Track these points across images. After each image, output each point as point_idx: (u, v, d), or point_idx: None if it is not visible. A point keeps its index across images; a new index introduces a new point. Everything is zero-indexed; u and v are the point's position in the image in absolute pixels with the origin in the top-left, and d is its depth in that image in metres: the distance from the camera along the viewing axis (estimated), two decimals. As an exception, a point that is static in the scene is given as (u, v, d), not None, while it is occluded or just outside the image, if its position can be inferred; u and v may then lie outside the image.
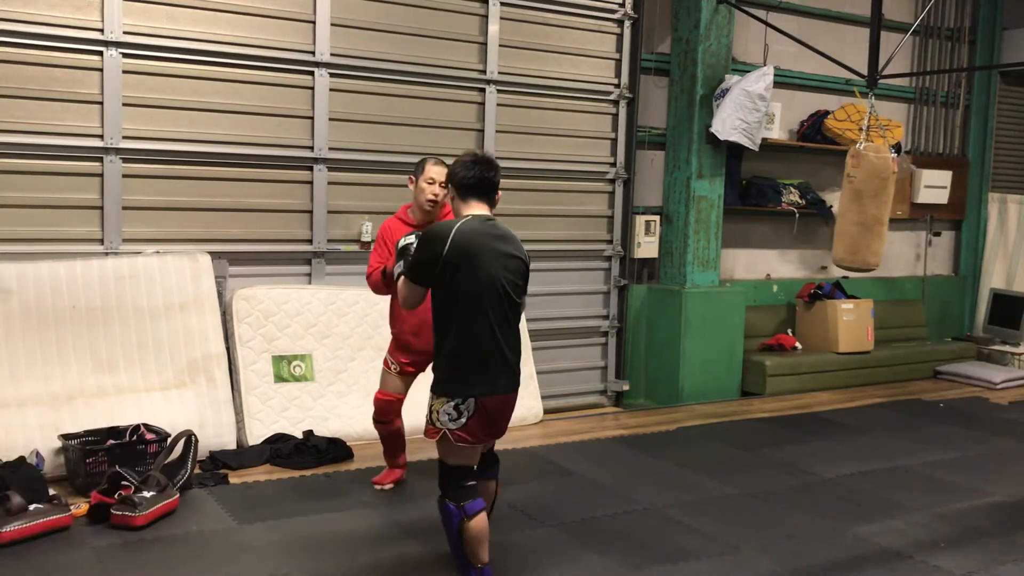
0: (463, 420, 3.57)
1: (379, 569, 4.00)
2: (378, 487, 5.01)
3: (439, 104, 6.60)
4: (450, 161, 3.98)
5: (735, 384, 7.75)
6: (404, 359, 4.83)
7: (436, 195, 4.63)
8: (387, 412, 4.89)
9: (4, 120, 5.27)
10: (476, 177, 3.70)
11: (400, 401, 4.91)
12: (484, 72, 6.76)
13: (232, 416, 5.58)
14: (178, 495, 4.59)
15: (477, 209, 3.72)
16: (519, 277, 3.71)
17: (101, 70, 5.48)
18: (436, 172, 4.62)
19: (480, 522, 3.61)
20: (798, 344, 8.34)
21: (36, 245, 5.38)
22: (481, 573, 3.64)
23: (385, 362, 4.91)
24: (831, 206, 8.41)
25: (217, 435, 5.45)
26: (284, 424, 5.71)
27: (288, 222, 6.16)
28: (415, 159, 6.60)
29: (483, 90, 6.77)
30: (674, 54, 7.59)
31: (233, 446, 5.52)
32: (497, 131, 6.84)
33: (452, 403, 3.57)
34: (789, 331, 8.49)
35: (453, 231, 3.56)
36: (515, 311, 3.70)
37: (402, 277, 3.79)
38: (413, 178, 4.73)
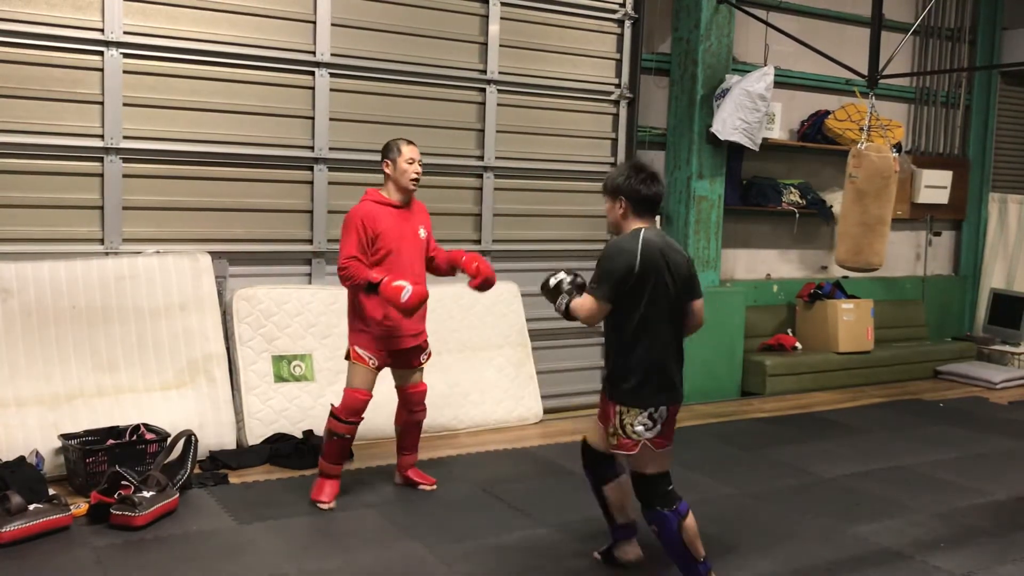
0: (658, 427, 3.68)
1: (379, 569, 4.00)
2: (324, 506, 4.65)
3: (439, 104, 6.60)
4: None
5: (735, 384, 7.75)
6: (381, 352, 4.70)
7: (419, 173, 4.73)
8: (361, 410, 4.68)
9: (4, 120, 5.27)
10: (656, 195, 3.77)
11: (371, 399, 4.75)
12: (484, 72, 6.76)
13: (232, 416, 5.58)
14: (178, 495, 4.59)
15: (648, 223, 3.78)
16: (692, 281, 3.88)
17: (101, 70, 5.48)
18: (414, 151, 4.73)
19: (692, 519, 3.75)
20: (798, 344, 8.33)
21: (36, 245, 5.38)
22: (705, 567, 3.78)
23: (359, 357, 4.66)
24: (831, 206, 8.40)
25: (217, 435, 5.45)
26: (284, 424, 5.71)
27: (288, 222, 6.16)
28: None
29: (483, 90, 6.77)
30: (674, 54, 7.59)
31: (233, 446, 5.52)
32: (497, 131, 6.84)
33: (646, 413, 3.67)
34: (789, 331, 8.49)
35: (640, 245, 3.64)
36: (685, 319, 3.92)
37: (586, 297, 3.72)
38: (389, 161, 4.69)
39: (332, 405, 4.75)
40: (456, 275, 5.02)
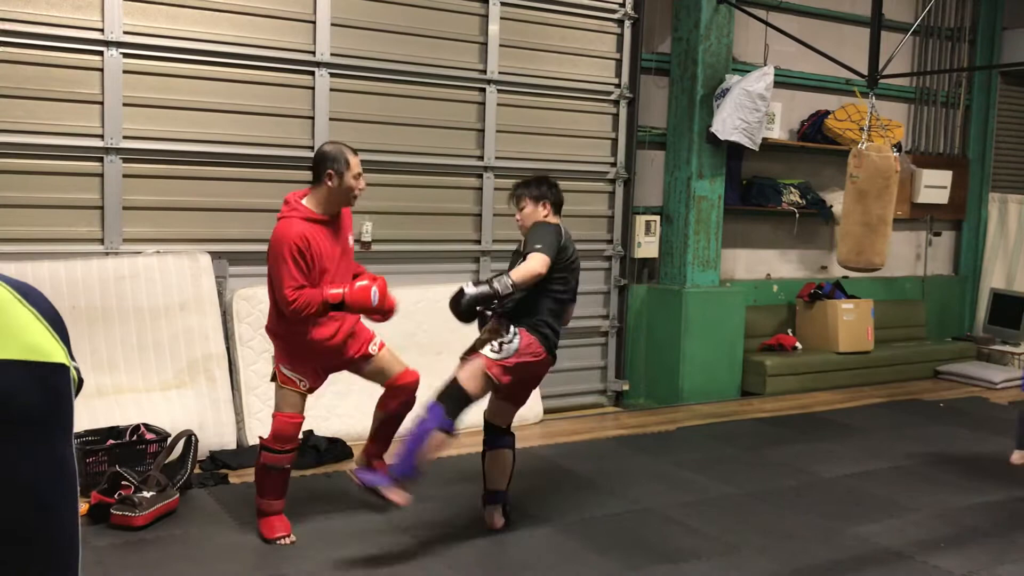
0: (501, 352, 4.22)
1: (379, 569, 4.00)
2: (287, 540, 4.22)
3: (439, 104, 6.60)
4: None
5: (735, 384, 7.75)
6: (313, 375, 4.27)
7: (363, 190, 4.26)
8: (296, 436, 4.26)
9: (4, 120, 5.27)
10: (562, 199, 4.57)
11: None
12: (484, 72, 6.76)
13: (232, 416, 5.58)
14: (178, 495, 4.59)
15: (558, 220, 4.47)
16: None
17: (101, 70, 5.48)
18: (359, 164, 4.24)
19: (443, 440, 4.18)
20: (798, 344, 8.33)
21: (36, 245, 5.38)
22: (414, 473, 4.13)
23: (287, 379, 4.19)
24: (831, 206, 8.41)
25: (217, 435, 5.45)
26: (284, 424, 5.70)
27: (288, 222, 6.15)
28: (415, 159, 6.62)
29: (483, 90, 6.77)
30: (674, 54, 7.60)
31: (233, 446, 5.52)
32: (497, 131, 6.84)
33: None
34: (789, 331, 8.49)
35: (565, 232, 4.35)
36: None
37: (535, 255, 4.13)
38: (333, 173, 4.11)
39: (260, 438, 4.27)
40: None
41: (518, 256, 4.31)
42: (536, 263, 4.09)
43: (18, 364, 1.11)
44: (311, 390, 4.28)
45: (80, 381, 1.22)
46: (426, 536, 4.34)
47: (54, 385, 1.15)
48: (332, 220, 4.21)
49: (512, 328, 4.18)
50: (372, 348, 4.44)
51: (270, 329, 4.34)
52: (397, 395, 4.52)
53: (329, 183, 4.13)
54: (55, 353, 1.16)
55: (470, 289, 4.00)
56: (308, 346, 4.20)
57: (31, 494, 1.12)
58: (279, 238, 4.07)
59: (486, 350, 4.15)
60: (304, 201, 4.17)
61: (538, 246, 4.14)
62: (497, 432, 4.46)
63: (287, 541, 4.22)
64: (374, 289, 4.11)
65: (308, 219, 4.11)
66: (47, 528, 1.13)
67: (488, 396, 4.33)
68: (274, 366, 4.29)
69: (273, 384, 4.30)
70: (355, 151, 4.26)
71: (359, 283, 4.10)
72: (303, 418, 4.28)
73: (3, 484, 1.09)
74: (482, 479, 4.50)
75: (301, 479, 5.13)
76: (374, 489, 4.00)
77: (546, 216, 4.43)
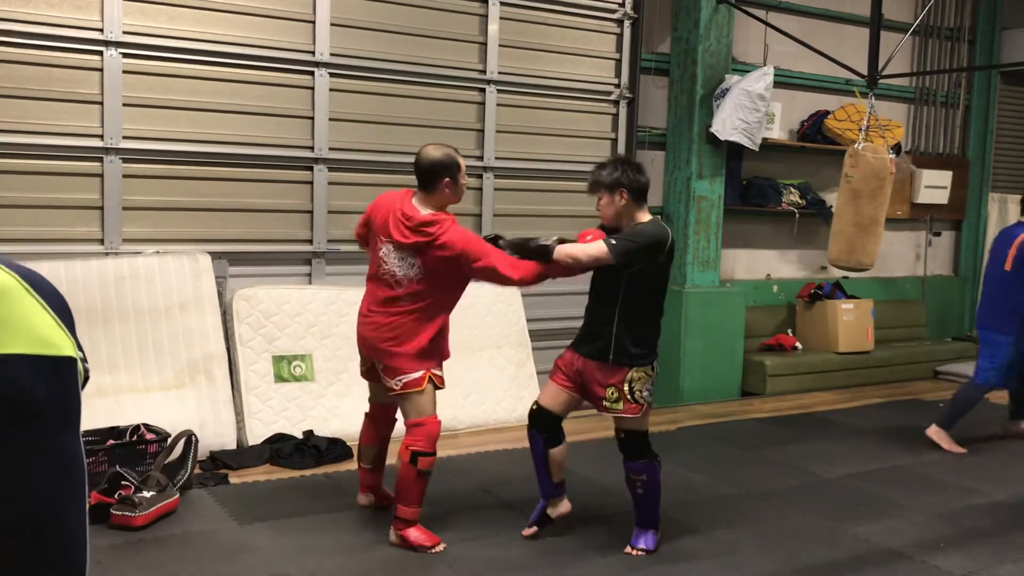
0: (654, 388, 4.18)
1: (380, 569, 4.00)
2: (442, 546, 4.19)
3: (439, 104, 6.60)
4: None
5: (735, 384, 7.75)
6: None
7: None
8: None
9: (4, 120, 5.27)
10: (648, 182, 4.21)
11: None
12: (484, 72, 6.76)
13: (232, 416, 5.58)
14: (178, 495, 4.59)
15: (648, 214, 4.20)
16: None
17: (101, 70, 5.48)
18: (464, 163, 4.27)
19: None
20: (798, 344, 8.34)
21: (36, 245, 5.38)
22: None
23: (437, 378, 4.20)
24: (831, 206, 8.40)
25: (217, 435, 5.45)
26: (284, 424, 5.71)
27: (288, 222, 6.16)
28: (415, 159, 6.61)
29: (483, 90, 6.77)
30: (674, 54, 7.60)
31: (233, 446, 5.52)
32: (497, 131, 6.84)
33: (651, 379, 4.12)
34: (789, 331, 8.49)
35: (671, 234, 4.10)
36: None
37: (599, 244, 4.00)
38: (450, 179, 4.12)
39: (411, 449, 4.09)
40: None
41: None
42: (594, 247, 4.07)
43: (26, 358, 1.10)
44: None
45: (86, 373, 1.20)
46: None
47: (62, 380, 1.14)
48: None
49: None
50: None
51: (407, 330, 4.12)
52: (390, 419, 4.60)
53: (447, 189, 4.13)
54: (64, 346, 1.15)
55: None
56: (438, 339, 4.23)
57: (39, 491, 1.10)
58: (453, 227, 4.07)
59: (641, 396, 4.07)
60: (414, 202, 4.15)
61: (612, 241, 4.05)
62: (558, 424, 4.27)
63: (442, 547, 4.18)
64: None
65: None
66: (56, 525, 1.11)
67: (554, 396, 4.25)
68: (418, 372, 4.11)
69: (404, 392, 4.15)
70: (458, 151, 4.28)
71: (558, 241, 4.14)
72: None
73: (10, 481, 1.08)
74: (542, 478, 4.30)
75: (301, 479, 5.14)
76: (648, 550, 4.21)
77: (625, 208, 4.15)
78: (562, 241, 4.14)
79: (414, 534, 4.16)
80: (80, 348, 1.20)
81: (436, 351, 4.21)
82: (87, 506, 1.20)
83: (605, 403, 4.09)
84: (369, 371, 4.39)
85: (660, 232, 4.06)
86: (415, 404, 4.13)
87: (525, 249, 4.15)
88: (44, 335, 1.14)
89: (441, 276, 4.11)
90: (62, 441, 1.14)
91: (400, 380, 4.13)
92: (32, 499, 1.10)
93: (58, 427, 1.13)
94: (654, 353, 4.15)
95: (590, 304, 4.25)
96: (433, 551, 4.14)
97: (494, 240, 4.22)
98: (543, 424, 4.24)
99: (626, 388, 4.05)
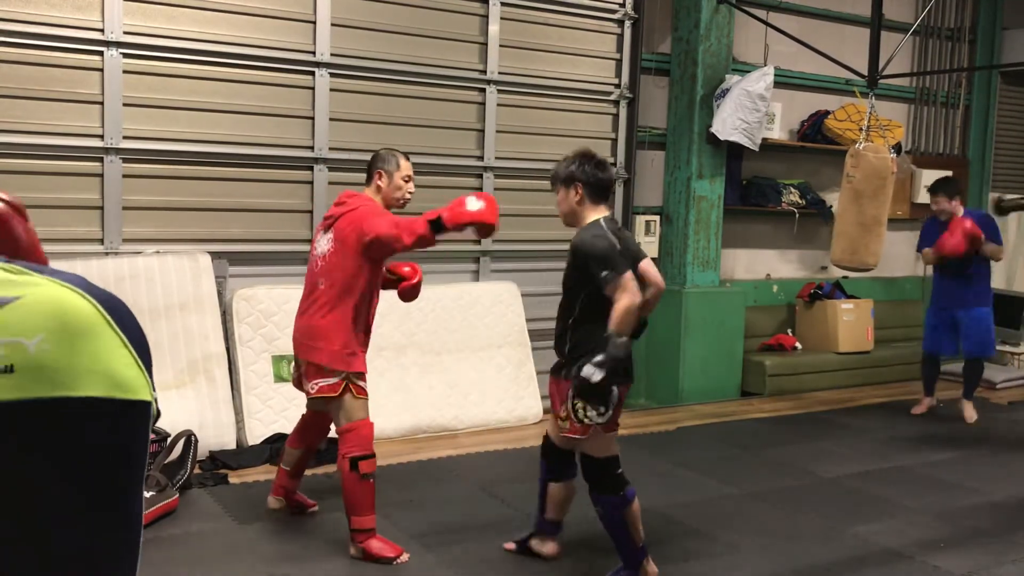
0: (610, 412, 3.64)
1: (379, 570, 4.00)
2: (405, 556, 4.06)
3: (439, 104, 6.60)
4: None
5: (735, 384, 7.75)
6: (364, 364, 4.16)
7: (412, 194, 4.25)
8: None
9: (4, 120, 5.27)
10: (610, 179, 3.80)
11: None
12: (484, 72, 6.76)
13: (232, 416, 5.58)
14: (178, 495, 4.59)
15: (604, 212, 3.78)
16: (639, 252, 3.88)
17: (101, 70, 5.48)
18: (410, 168, 4.24)
19: (636, 504, 3.77)
20: (798, 344, 8.33)
21: (36, 245, 5.37)
22: (643, 552, 3.82)
23: (360, 389, 4.07)
24: (831, 206, 8.40)
25: (217, 435, 5.45)
26: (284, 424, 5.70)
27: (288, 222, 6.16)
28: (415, 159, 6.59)
29: (483, 90, 6.77)
30: (674, 54, 7.60)
31: (233, 446, 5.52)
32: (497, 131, 6.84)
33: (601, 401, 3.62)
34: (789, 331, 8.49)
35: (607, 230, 3.64)
36: (646, 289, 3.82)
37: (615, 285, 3.55)
38: (383, 172, 4.15)
39: (347, 457, 4.00)
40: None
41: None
42: (625, 291, 3.56)
43: (102, 402, 1.05)
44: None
45: (158, 413, 1.15)
46: (426, 537, 4.33)
47: (133, 426, 1.09)
48: None
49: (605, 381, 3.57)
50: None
51: (325, 324, 4.03)
52: (325, 427, 4.46)
53: (378, 182, 4.17)
54: (139, 388, 1.10)
55: (597, 375, 3.51)
56: (359, 336, 4.08)
57: (92, 553, 1.05)
58: (360, 208, 4.01)
59: (592, 417, 3.63)
60: (372, 201, 4.16)
61: (605, 272, 3.59)
62: (565, 458, 3.97)
63: (406, 557, 4.06)
64: (470, 201, 3.84)
65: None
66: None
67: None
68: (339, 377, 4.02)
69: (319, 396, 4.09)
70: (407, 155, 4.25)
71: (460, 206, 3.86)
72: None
73: (66, 540, 1.02)
74: (540, 505, 4.10)
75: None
76: None
77: (578, 204, 3.82)
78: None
79: (375, 545, 4.03)
80: (153, 387, 1.14)
81: (353, 348, 4.05)
82: (138, 566, 1.13)
83: (558, 421, 3.77)
84: (298, 379, 4.29)
85: (600, 238, 3.62)
86: (343, 410, 4.04)
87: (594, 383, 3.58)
88: (123, 377, 1.08)
89: (350, 249, 4.00)
90: (125, 498, 1.09)
91: (315, 384, 4.06)
92: (83, 560, 1.05)
93: (124, 482, 1.08)
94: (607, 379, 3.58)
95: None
96: (396, 562, 4.00)
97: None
98: (547, 452, 4.04)
99: (570, 405, 3.64)
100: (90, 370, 1.05)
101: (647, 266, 3.87)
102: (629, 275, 3.58)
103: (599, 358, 3.50)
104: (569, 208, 3.79)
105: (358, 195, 4.21)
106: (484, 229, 3.92)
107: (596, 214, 3.76)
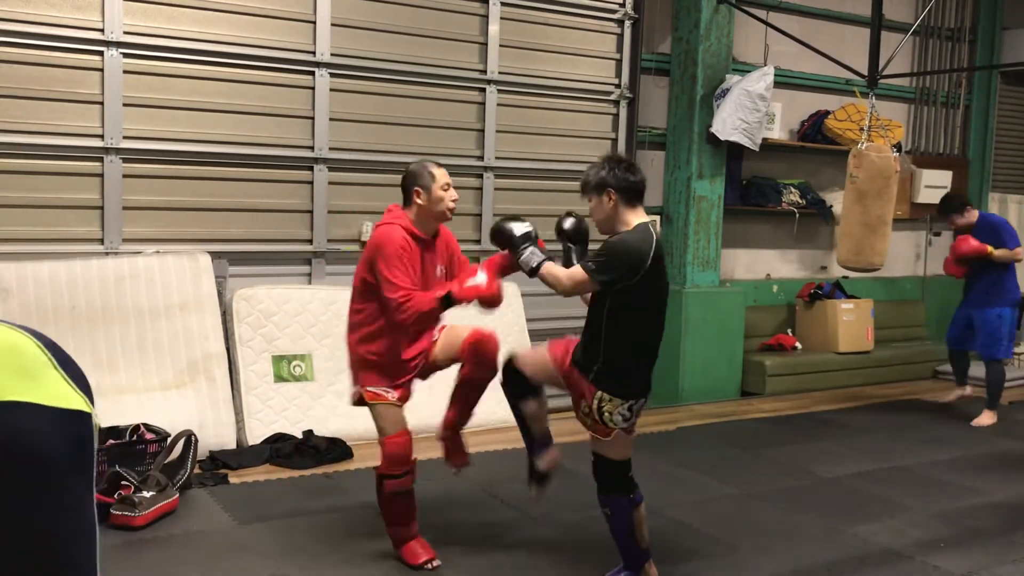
0: (633, 419, 3.73)
1: (380, 569, 4.00)
2: (435, 563, 4.00)
3: (439, 104, 6.60)
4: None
5: (735, 384, 7.75)
6: (400, 385, 4.02)
7: (456, 200, 4.05)
8: (410, 455, 3.96)
9: (4, 120, 5.27)
10: (642, 182, 3.69)
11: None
12: (484, 72, 6.76)
13: (232, 416, 5.58)
14: (178, 495, 4.59)
15: (643, 215, 3.69)
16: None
17: (101, 70, 5.48)
18: (446, 175, 4.04)
19: (643, 508, 3.82)
20: (798, 344, 8.34)
21: (36, 245, 5.38)
22: (646, 556, 3.84)
23: (377, 395, 3.95)
24: (831, 206, 8.40)
25: (217, 435, 5.45)
26: (284, 424, 5.70)
27: (288, 222, 6.16)
28: (415, 159, 6.62)
29: (483, 90, 6.77)
30: (674, 54, 7.60)
31: (233, 446, 5.52)
32: (497, 131, 6.84)
33: (627, 404, 3.66)
34: (789, 331, 8.49)
35: (654, 245, 3.56)
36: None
37: (577, 269, 3.62)
38: (420, 189, 3.94)
39: (375, 469, 4.02)
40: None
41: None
42: (573, 277, 3.68)
43: (44, 409, 1.15)
44: (403, 401, 4.00)
45: (100, 429, 1.29)
46: (426, 536, 4.33)
47: (77, 433, 1.19)
48: (430, 240, 4.04)
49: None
50: (437, 336, 4.19)
51: (357, 344, 4.00)
52: (466, 361, 4.14)
53: (418, 200, 3.96)
54: (79, 402, 1.20)
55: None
56: (400, 365, 3.99)
57: (49, 541, 1.14)
58: (383, 240, 3.86)
59: (617, 422, 3.66)
60: (408, 216, 4.01)
61: (591, 264, 3.63)
62: (530, 386, 3.95)
63: (434, 565, 3.99)
64: (479, 278, 3.83)
65: (407, 230, 3.92)
66: (67, 570, 1.15)
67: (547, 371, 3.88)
68: (355, 389, 4.02)
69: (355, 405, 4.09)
70: (439, 164, 4.07)
71: (468, 283, 3.85)
72: (410, 433, 3.98)
73: (22, 530, 1.11)
74: (524, 432, 4.07)
75: (301, 479, 5.14)
76: None
77: (613, 210, 3.70)
78: (564, 235, 3.89)
79: (406, 552, 4.04)
80: (92, 403, 1.25)
81: (380, 366, 3.98)
82: (97, 557, 1.22)
83: (580, 414, 3.77)
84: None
85: (636, 245, 3.54)
86: (375, 421, 4.00)
87: (503, 238, 3.83)
88: (62, 391, 1.19)
89: (369, 278, 3.94)
90: (75, 493, 1.18)
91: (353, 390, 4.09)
92: (43, 549, 1.13)
93: (71, 480, 1.17)
94: (634, 393, 3.66)
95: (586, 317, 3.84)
96: (429, 566, 3.98)
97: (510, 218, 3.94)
98: (508, 380, 3.97)
99: (595, 406, 3.64)
100: (28, 383, 1.17)
101: None
102: (588, 282, 3.57)
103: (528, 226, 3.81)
104: (604, 215, 3.67)
105: (394, 210, 4.03)
106: (490, 302, 3.94)
107: (636, 217, 3.65)
